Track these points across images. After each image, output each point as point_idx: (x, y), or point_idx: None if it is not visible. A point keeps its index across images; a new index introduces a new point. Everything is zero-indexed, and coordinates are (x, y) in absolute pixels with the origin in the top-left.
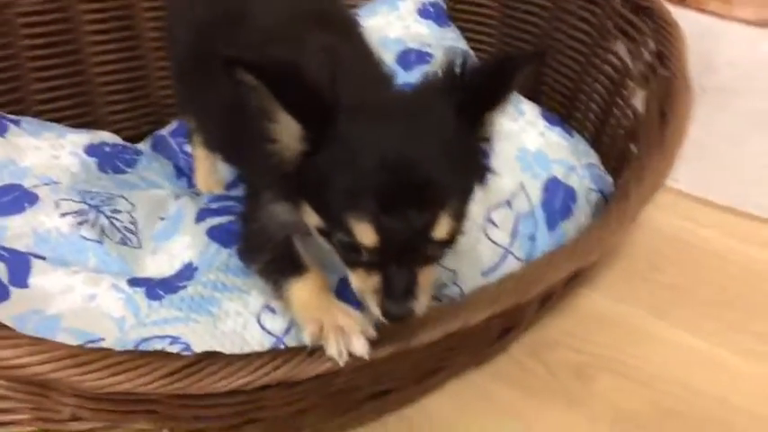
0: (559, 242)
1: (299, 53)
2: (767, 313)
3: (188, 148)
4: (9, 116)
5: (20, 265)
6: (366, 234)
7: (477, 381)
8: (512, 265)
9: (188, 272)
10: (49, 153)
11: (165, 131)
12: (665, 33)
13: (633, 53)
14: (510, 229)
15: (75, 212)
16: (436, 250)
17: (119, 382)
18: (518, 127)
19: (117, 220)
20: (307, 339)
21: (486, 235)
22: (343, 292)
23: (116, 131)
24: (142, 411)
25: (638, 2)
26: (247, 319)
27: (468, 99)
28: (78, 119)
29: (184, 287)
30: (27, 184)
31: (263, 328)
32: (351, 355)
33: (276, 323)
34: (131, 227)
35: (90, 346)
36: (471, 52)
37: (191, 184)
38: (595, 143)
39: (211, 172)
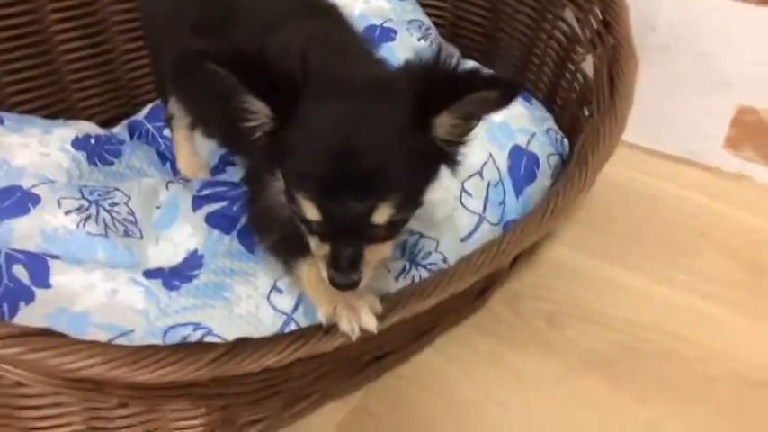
0: (526, 205)
1: (280, 40)
2: (699, 249)
3: (167, 133)
4: None
5: (38, 265)
6: (310, 211)
7: (461, 335)
8: (486, 230)
9: (195, 260)
10: (38, 150)
11: (140, 117)
12: (611, 2)
13: (581, 20)
14: (482, 197)
15: (77, 209)
16: (381, 232)
17: (169, 373)
18: None
19: (116, 212)
20: (322, 318)
21: (462, 204)
22: None
23: (88, 117)
24: (181, 394)
25: None
26: (258, 301)
27: (424, 98)
28: (51, 108)
29: (197, 275)
30: (26, 184)
31: (273, 307)
32: (362, 329)
33: (284, 301)
34: (130, 218)
35: (122, 339)
36: (429, 22)
37: (175, 169)
38: (548, 106)
39: (192, 154)
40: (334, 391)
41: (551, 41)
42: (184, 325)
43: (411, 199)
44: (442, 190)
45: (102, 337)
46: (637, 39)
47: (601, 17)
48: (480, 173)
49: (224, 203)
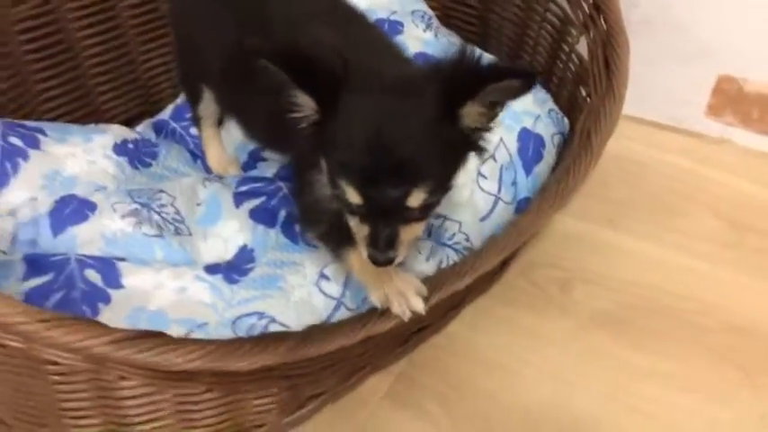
0: (536, 182)
1: (317, 39)
2: (686, 211)
3: (193, 131)
4: (29, 124)
5: (108, 268)
6: (353, 196)
7: (484, 305)
8: (501, 209)
9: (246, 254)
10: (85, 159)
11: (165, 116)
12: None
13: (572, 3)
14: (497, 179)
15: (131, 213)
16: (415, 214)
17: (259, 361)
18: None
19: (165, 213)
20: (376, 303)
21: (479, 186)
22: None
23: (111, 118)
24: (258, 378)
25: None
26: (310, 289)
27: (452, 91)
28: (77, 112)
29: (252, 269)
30: (80, 192)
31: (323, 293)
32: (411, 311)
33: (332, 287)
34: (177, 217)
35: (198, 332)
36: (429, 10)
37: (205, 166)
38: (545, 86)
39: (222, 151)
40: (381, 363)
41: (545, 23)
42: (249, 315)
43: (442, 184)
44: (463, 175)
45: (181, 331)
46: (622, 13)
47: (592, 1)
48: (493, 156)
49: (263, 198)
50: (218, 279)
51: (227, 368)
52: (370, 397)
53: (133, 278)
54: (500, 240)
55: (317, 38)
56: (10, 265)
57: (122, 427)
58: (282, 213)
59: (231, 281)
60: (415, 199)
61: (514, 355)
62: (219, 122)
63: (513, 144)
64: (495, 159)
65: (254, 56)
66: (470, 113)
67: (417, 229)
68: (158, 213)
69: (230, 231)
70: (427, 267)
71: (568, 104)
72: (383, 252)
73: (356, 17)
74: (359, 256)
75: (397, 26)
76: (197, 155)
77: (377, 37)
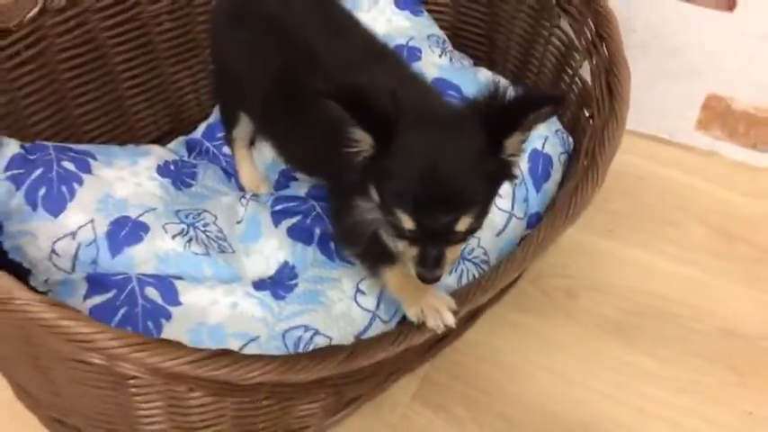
0: (544, 199)
1: (368, 80)
2: (679, 222)
3: (225, 150)
4: (77, 147)
5: (165, 286)
6: (407, 222)
7: (498, 313)
8: (515, 224)
9: (288, 270)
10: (132, 181)
11: (197, 135)
12: (602, 18)
13: (576, 30)
14: (510, 197)
15: (180, 233)
16: (460, 236)
17: (316, 373)
18: None
19: (209, 231)
20: (412, 318)
21: (496, 205)
22: None
23: (143, 136)
24: (310, 386)
25: None
26: (348, 303)
27: (495, 124)
28: (114, 131)
29: (296, 284)
30: (132, 214)
31: (360, 307)
32: (444, 325)
33: (368, 301)
34: (220, 235)
35: (252, 345)
36: (443, 34)
37: (239, 185)
38: None
39: (254, 170)
40: (409, 368)
41: (549, 47)
42: (296, 327)
43: (484, 210)
44: None
45: (237, 344)
46: None
47: (594, 29)
48: None
49: (299, 217)
50: (266, 295)
51: (288, 380)
52: (401, 398)
53: (189, 295)
54: (518, 256)
55: (370, 78)
56: (72, 284)
57: None
58: (317, 231)
59: (278, 296)
60: (463, 224)
61: (528, 359)
62: (252, 143)
63: (524, 164)
64: None
65: (320, 96)
66: (513, 143)
67: (459, 249)
68: (203, 232)
69: (271, 249)
70: (450, 280)
71: (571, 124)
72: (431, 271)
73: (395, 56)
74: (394, 274)
75: (415, 52)
76: (230, 173)
77: (416, 75)
